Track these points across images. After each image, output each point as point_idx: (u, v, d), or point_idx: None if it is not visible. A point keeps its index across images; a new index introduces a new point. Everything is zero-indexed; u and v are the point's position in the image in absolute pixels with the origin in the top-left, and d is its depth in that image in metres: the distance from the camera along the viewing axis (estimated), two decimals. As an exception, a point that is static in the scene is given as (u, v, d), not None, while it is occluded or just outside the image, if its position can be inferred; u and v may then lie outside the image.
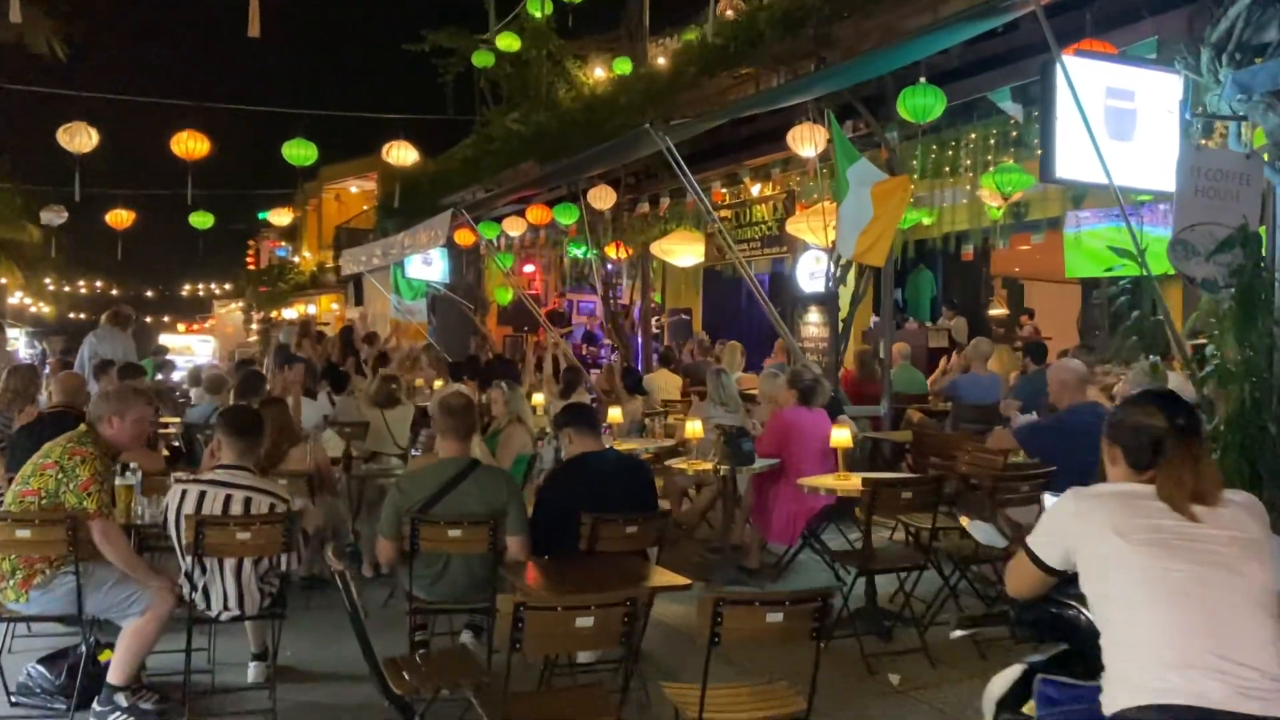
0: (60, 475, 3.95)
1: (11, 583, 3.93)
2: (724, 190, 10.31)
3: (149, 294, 42.60)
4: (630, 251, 14.69)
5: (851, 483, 5.16)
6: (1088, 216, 10.24)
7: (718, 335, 15.73)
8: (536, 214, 12.99)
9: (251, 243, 41.17)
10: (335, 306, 29.75)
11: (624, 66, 15.59)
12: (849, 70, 6.58)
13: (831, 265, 8.23)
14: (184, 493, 3.98)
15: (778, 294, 17.81)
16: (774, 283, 17.30)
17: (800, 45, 7.58)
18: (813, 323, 8.33)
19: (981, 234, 11.49)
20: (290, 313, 32.52)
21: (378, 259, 14.10)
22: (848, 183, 7.25)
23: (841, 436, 5.26)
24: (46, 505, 3.94)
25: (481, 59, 16.08)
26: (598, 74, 16.17)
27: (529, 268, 17.73)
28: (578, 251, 17.15)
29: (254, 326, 33.82)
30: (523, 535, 4.15)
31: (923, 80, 6.67)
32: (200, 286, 42.05)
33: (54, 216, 13.84)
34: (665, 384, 10.87)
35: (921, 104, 6.65)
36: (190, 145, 9.48)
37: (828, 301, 8.32)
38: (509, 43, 15.54)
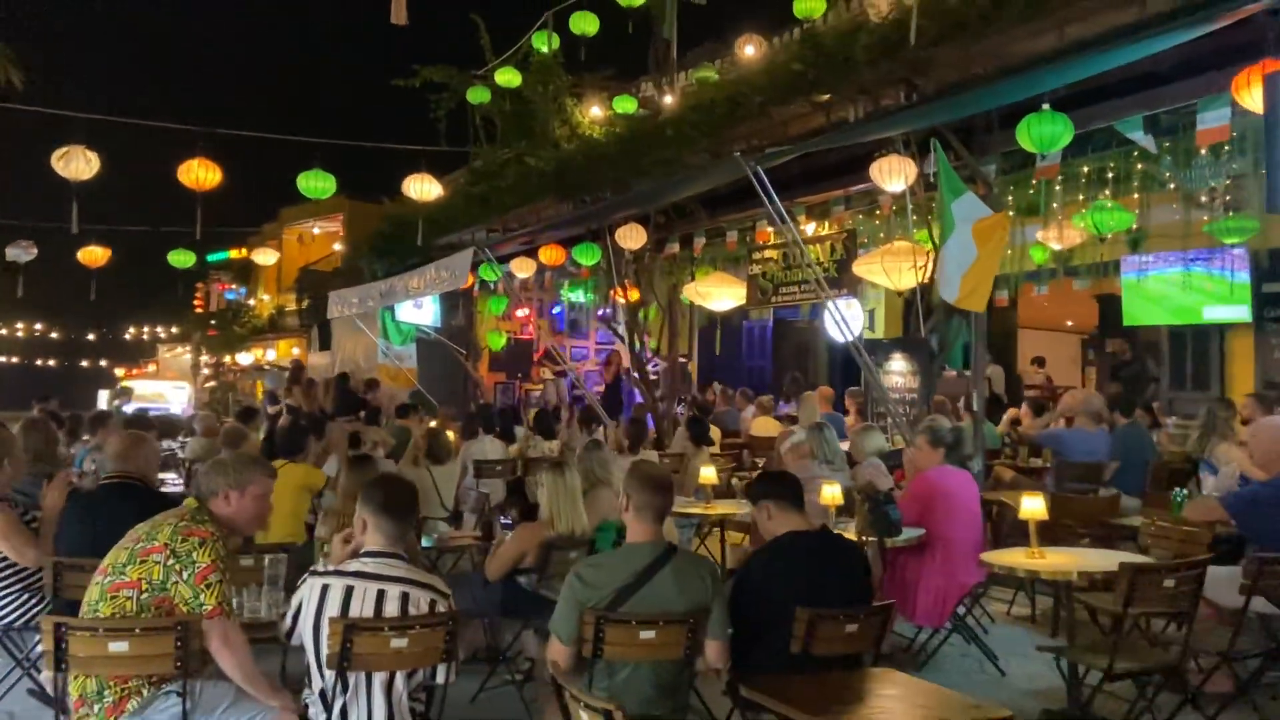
0: (172, 562, 3.12)
1: (97, 709, 3.04)
2: (770, 229, 9.72)
3: (90, 337, 40.67)
4: (637, 295, 14.07)
5: (1058, 562, 4.48)
6: (1150, 261, 9.89)
7: (712, 384, 15.13)
8: (550, 254, 12.29)
9: (200, 285, 39.63)
10: (296, 351, 28.48)
11: (627, 105, 15.08)
12: (980, 97, 6.05)
13: (919, 307, 7.62)
14: (325, 588, 3.14)
15: (807, 340, 17.39)
16: (794, 329, 16.87)
17: (894, 70, 7.05)
18: (895, 371, 7.71)
19: (1021, 278, 11.08)
20: (246, 357, 31.11)
21: (374, 301, 13.20)
22: (953, 219, 6.70)
23: (1035, 507, 4.58)
24: (147, 600, 3.09)
25: (477, 95, 15.44)
26: (594, 113, 15.65)
27: (522, 311, 16.93)
28: (574, 295, 16.48)
29: (205, 371, 32.27)
30: (724, 640, 3.40)
31: (1046, 107, 6.17)
32: (145, 329, 40.28)
33: (21, 253, 12.69)
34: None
35: (1049, 132, 6.13)
36: (201, 175, 8.56)
37: (912, 348, 7.72)
38: (509, 78, 14.92)
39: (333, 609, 3.10)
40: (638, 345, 11.25)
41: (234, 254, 33.89)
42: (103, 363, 48.92)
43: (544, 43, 14.34)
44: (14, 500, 4.58)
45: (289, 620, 3.22)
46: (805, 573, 3.54)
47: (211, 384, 26.37)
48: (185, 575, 3.11)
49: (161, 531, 3.19)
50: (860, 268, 8.52)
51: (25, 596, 4.51)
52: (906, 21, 6.83)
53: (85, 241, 12.32)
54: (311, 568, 3.25)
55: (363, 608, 3.12)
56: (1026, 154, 7.31)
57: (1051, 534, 5.98)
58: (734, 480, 7.46)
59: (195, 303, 39.59)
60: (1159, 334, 11.00)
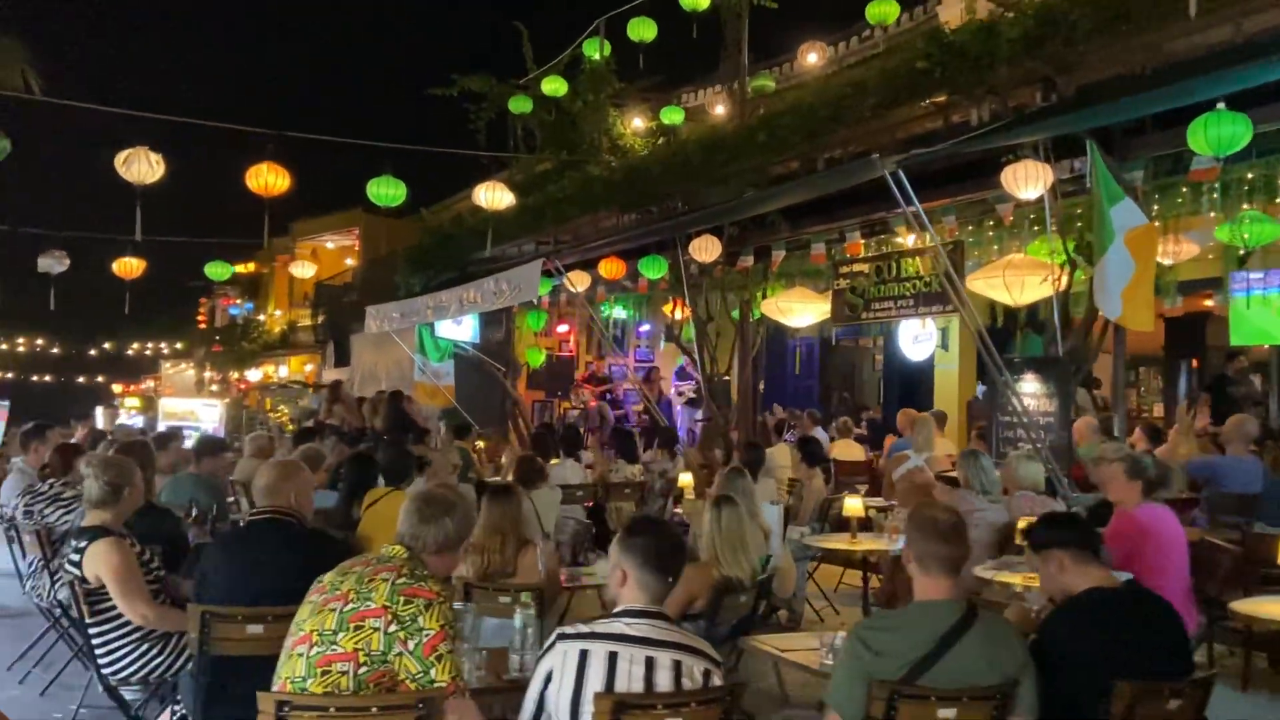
0: (395, 629, 2.54)
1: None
2: (861, 241, 9.20)
3: (91, 352, 39.90)
4: (688, 312, 13.57)
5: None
6: (1261, 278, 9.38)
7: (771, 404, 14.56)
8: (610, 267, 11.75)
9: (204, 300, 38.92)
10: (309, 368, 27.84)
11: (674, 115, 14.60)
12: (1166, 95, 5.53)
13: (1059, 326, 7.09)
14: (584, 655, 2.56)
15: (855, 360, 16.83)
16: (840, 348, 16.32)
17: (1035, 68, 6.55)
18: (1026, 393, 7.17)
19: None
20: (255, 374, 30.43)
21: (422, 315, 12.62)
22: (1112, 228, 6.19)
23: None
24: (365, 675, 2.51)
25: (519, 104, 14.96)
26: (636, 124, 15.18)
27: (563, 327, 16.39)
28: (617, 311, 15.94)
29: (214, 389, 31.56)
30: (1035, 717, 2.83)
31: (1222, 106, 5.67)
32: (149, 346, 39.57)
33: (54, 263, 12.07)
34: (782, 460, 9.58)
35: (1228, 133, 5.63)
36: (270, 180, 7.98)
37: (1046, 368, 7.19)
38: (555, 87, 14.45)
39: (596, 682, 2.52)
40: (708, 364, 10.68)
41: (241, 268, 33.21)
42: (99, 379, 48.09)
43: (595, 50, 13.90)
44: (133, 539, 3.99)
45: (533, 698, 2.62)
46: (1119, 638, 2.97)
47: (224, 401, 25.67)
48: (412, 645, 2.53)
49: (376, 590, 2.60)
50: (977, 282, 7.99)
51: (144, 649, 3.92)
52: (1052, 15, 6.33)
53: (121, 251, 11.74)
54: (559, 630, 2.66)
55: (630, 680, 2.54)
56: (1172, 158, 6.84)
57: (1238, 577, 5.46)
58: (871, 512, 6.87)
59: (199, 318, 38.91)
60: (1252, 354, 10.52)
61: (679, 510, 7.57)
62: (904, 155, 6.24)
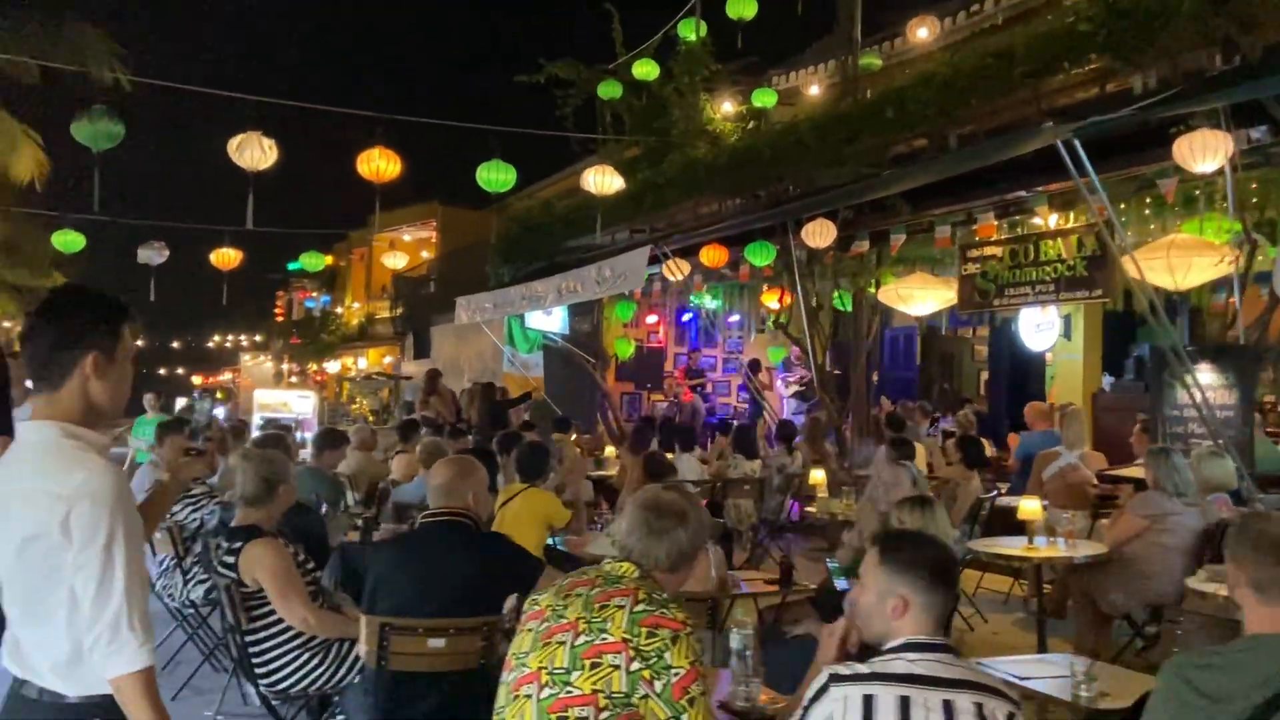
0: (638, 667, 2.16)
1: None
2: (994, 223, 8.62)
3: (174, 344, 40.80)
4: (789, 301, 13.05)
5: None
6: None
7: (847, 393, 13.98)
8: (712, 255, 11.32)
9: (281, 293, 39.47)
10: (388, 360, 27.96)
11: (766, 98, 14.10)
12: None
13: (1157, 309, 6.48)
14: (869, 701, 2.15)
15: (954, 350, 16.15)
16: (939, 338, 15.67)
17: (1217, 25, 5.95)
18: (1206, 385, 6.56)
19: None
20: (333, 365, 30.70)
21: (514, 306, 12.34)
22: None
23: None
24: None
25: (609, 90, 14.59)
26: (725, 108, 14.69)
27: (652, 318, 16.01)
28: (707, 301, 15.50)
29: (293, 380, 31.92)
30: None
31: None
32: (229, 338, 40.31)
33: (154, 254, 12.06)
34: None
35: None
36: (381, 165, 7.73)
37: (1225, 357, 6.57)
38: (647, 70, 14.05)
39: (888, 730, 2.12)
40: (821, 354, 10.20)
41: (321, 260, 33.63)
42: (179, 370, 49.22)
43: (691, 30, 13.46)
44: (286, 538, 3.70)
45: None
46: None
47: (310, 393, 25.93)
48: (659, 687, 2.16)
49: (611, 620, 2.22)
50: (1140, 262, 7.38)
51: (304, 658, 3.63)
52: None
53: (219, 242, 11.66)
54: (829, 670, 2.25)
55: (927, 729, 2.13)
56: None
57: None
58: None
59: (276, 311, 39.47)
60: None
61: (812, 509, 7.13)
62: (1079, 123, 5.70)
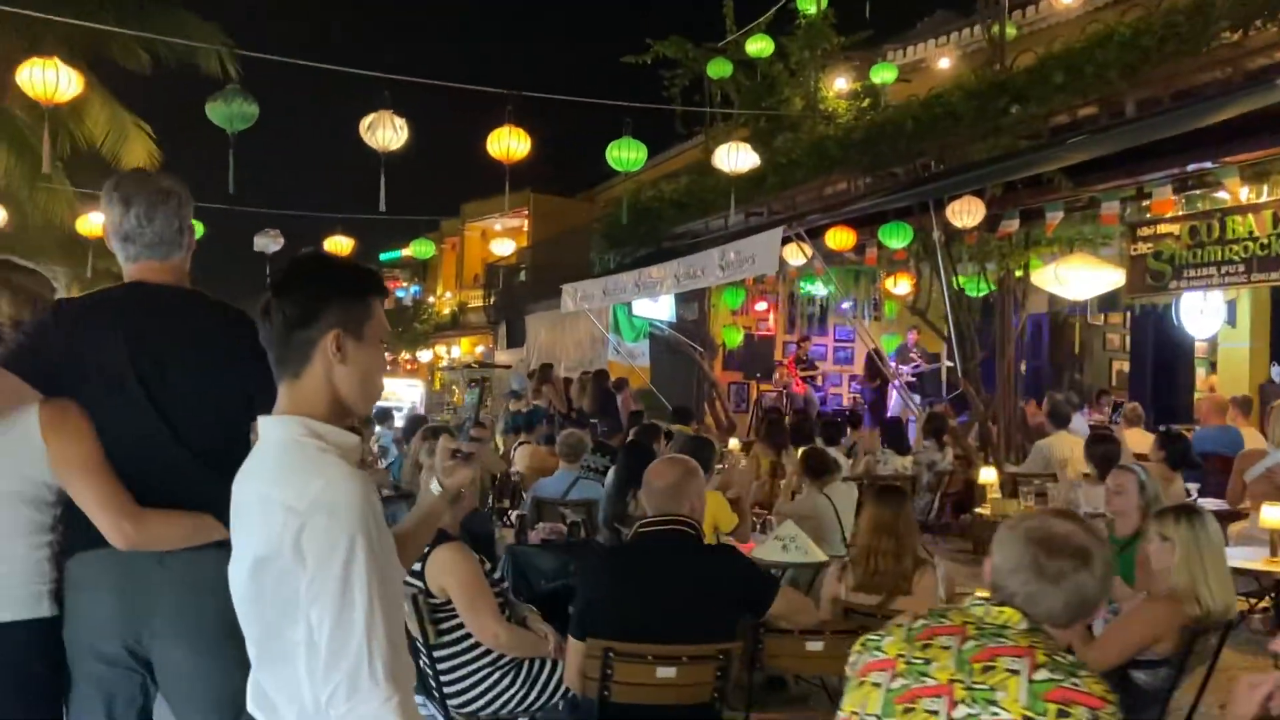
0: None
1: None
2: (1174, 198, 7.85)
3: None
4: (916, 285, 12.34)
5: None
6: None
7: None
8: (840, 237, 10.69)
9: (372, 282, 39.87)
10: (480, 349, 27.94)
11: (886, 73, 13.39)
12: None
13: None
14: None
15: (1086, 339, 15.22)
16: (1068, 326, 14.75)
17: None
18: None
19: None
20: (425, 354, 30.86)
21: (627, 293, 11.92)
22: None
23: None
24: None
25: (718, 69, 14.07)
26: (839, 85, 14.01)
27: (761, 304, 15.43)
28: (815, 288, 14.87)
29: (386, 369, 32.17)
30: None
31: None
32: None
33: (269, 242, 12.00)
34: (1070, 453, 8.34)
35: None
36: (511, 145, 7.36)
37: None
38: (761, 47, 13.48)
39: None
40: (971, 343, 9.51)
41: (430, 248, 34.09)
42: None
43: (811, 3, 12.84)
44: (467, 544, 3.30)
45: None
46: None
47: (424, 381, 26.14)
48: None
49: (1005, 688, 1.69)
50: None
51: (496, 678, 3.22)
52: None
53: (330, 230, 11.52)
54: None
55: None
56: None
57: None
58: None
59: (366, 300, 39.88)
60: None
61: (984, 510, 6.52)
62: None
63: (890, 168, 9.91)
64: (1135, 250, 8.23)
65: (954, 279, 9.76)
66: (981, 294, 11.31)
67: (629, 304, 14.25)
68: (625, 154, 7.99)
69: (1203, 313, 10.35)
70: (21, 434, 2.08)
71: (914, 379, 14.04)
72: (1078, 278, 8.77)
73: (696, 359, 14.54)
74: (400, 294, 35.79)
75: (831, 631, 3.02)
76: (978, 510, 6.78)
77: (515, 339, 23.57)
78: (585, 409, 11.31)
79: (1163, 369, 12.95)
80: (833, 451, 7.83)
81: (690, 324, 14.94)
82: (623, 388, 12.28)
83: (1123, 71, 7.19)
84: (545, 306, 18.15)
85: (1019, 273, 9.72)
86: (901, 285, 13.16)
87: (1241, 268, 7.48)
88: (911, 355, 13.86)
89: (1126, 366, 14.86)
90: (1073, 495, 5.66)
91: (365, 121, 6.93)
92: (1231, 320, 10.61)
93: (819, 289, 14.84)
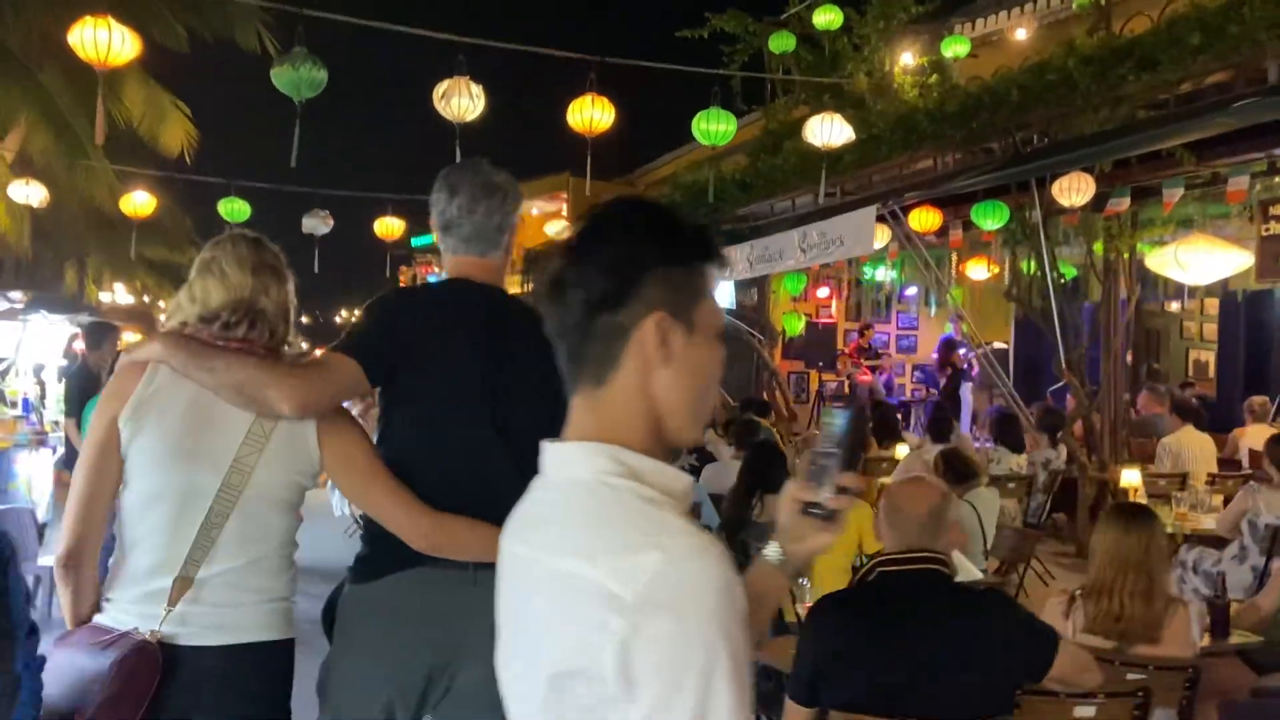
0: None
1: None
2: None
3: (303, 320, 41.32)
4: (997, 269, 11.72)
5: None
6: None
7: (1035, 378, 12.46)
8: (925, 218, 10.03)
9: (404, 268, 39.48)
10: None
11: (959, 46, 12.67)
12: None
13: None
14: None
15: (1163, 327, 14.49)
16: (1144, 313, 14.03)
17: None
18: None
19: None
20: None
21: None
22: None
23: None
24: None
25: (780, 42, 13.42)
26: (905, 60, 13.31)
27: (823, 291, 14.78)
28: (882, 273, 14.20)
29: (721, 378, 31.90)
30: None
31: None
32: (354, 314, 40.66)
33: (319, 224, 11.50)
34: (1199, 450, 7.69)
35: None
36: (593, 116, 6.75)
37: None
38: (830, 18, 12.79)
39: None
40: (1073, 332, 8.85)
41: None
42: (304, 345, 50.08)
43: (885, -30, 12.16)
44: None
45: None
46: None
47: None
48: None
49: None
50: None
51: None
52: None
53: (382, 210, 10.98)
54: None
55: None
56: None
57: None
58: None
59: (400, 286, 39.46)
60: None
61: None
62: None
63: (985, 143, 9.21)
64: (1267, 230, 7.53)
65: (1055, 263, 9.08)
66: (1071, 278, 10.67)
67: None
68: (714, 126, 7.37)
69: (1322, 299, 9.63)
70: (288, 435, 1.94)
71: (968, 367, 13.39)
72: (1200, 261, 8.07)
73: (756, 347, 13.95)
74: (433, 279, 35.38)
75: (1107, 695, 2.41)
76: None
77: (555, 326, 23.10)
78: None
79: (1254, 360, 12.23)
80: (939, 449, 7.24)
81: (749, 311, 14.34)
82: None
83: (1271, 27, 6.46)
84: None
85: (1125, 255, 9.04)
86: (976, 270, 12.48)
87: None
88: (960, 345, 13.20)
89: (1203, 356, 14.14)
90: (1249, 502, 5.01)
91: (439, 89, 6.36)
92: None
93: (883, 274, 14.19)
